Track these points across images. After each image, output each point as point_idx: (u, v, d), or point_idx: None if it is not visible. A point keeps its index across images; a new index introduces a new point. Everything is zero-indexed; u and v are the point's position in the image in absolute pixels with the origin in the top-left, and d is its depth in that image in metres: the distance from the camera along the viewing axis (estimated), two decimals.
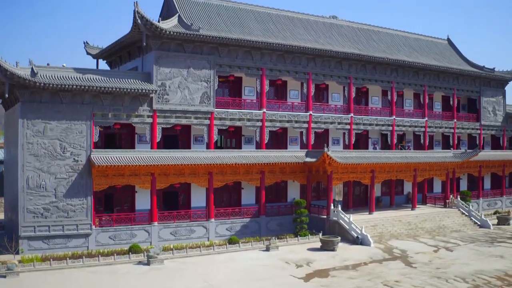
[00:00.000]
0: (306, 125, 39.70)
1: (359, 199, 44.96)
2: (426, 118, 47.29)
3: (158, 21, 34.24)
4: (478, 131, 51.88)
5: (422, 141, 47.19)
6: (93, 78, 32.72)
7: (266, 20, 42.05)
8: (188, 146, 37.14)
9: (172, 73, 34.49)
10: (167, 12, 39.60)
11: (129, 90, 32.39)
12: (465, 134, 52.24)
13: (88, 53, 42.91)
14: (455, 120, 49.79)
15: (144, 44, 33.37)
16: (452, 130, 49.43)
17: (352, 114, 42.16)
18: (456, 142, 50.01)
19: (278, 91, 41.24)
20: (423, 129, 46.95)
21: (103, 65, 43.79)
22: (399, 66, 44.49)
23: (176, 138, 37.20)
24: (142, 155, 33.34)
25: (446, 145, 50.99)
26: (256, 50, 37.24)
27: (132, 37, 34.63)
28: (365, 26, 49.08)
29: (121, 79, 33.47)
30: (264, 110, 37.89)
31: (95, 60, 43.23)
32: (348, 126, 41.84)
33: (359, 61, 41.97)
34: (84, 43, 43.20)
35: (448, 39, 57.03)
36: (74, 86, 31.03)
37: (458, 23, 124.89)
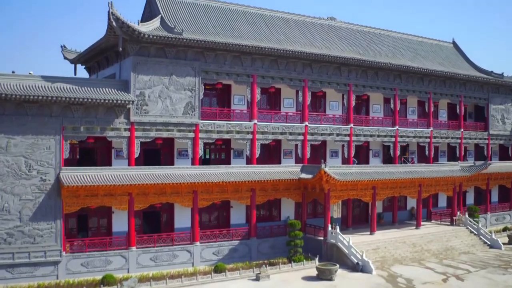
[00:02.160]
0: (301, 137, 36.24)
1: (359, 216, 41.56)
2: (431, 128, 43.86)
3: (138, 23, 30.79)
4: (486, 141, 48.49)
5: (427, 152, 43.79)
6: (63, 88, 29.28)
7: (258, 22, 38.59)
8: (171, 161, 33.71)
9: (152, 81, 31.01)
10: (149, 13, 36.14)
11: (102, 101, 28.92)
12: (472, 144, 48.85)
13: (65, 58, 39.43)
14: (462, 130, 46.38)
15: (120, 49, 29.88)
16: (458, 141, 46.02)
17: (351, 125, 38.72)
18: (463, 153, 46.55)
19: (270, 100, 37.77)
20: (428, 140, 43.54)
21: (81, 71, 40.48)
22: (403, 72, 41.07)
23: (158, 152, 33.75)
24: (119, 173, 29.88)
25: (452, 156, 47.65)
26: (247, 55, 33.77)
27: (107, 41, 31.14)
28: (365, 28, 45.67)
29: (94, 88, 30.00)
30: (255, 121, 34.42)
31: (73, 66, 39.75)
32: (347, 138, 38.39)
33: (360, 66, 38.55)
34: (61, 46, 39.70)
35: (454, 42, 53.67)
36: (41, 97, 27.61)
37: (463, 25, 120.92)
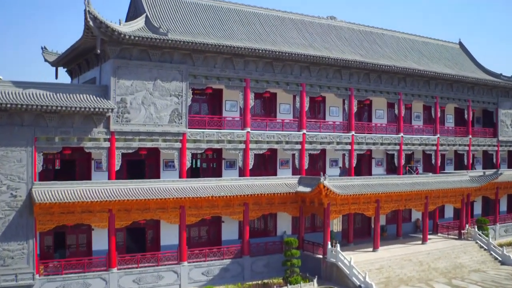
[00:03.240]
0: (299, 146, 33.46)
1: (360, 229, 38.78)
2: (438, 135, 41.09)
3: (119, 23, 28.07)
4: (495, 148, 45.74)
5: (433, 161, 41.00)
6: (35, 94, 26.58)
7: (253, 22, 35.81)
8: (156, 173, 30.95)
9: (134, 86, 28.26)
10: (134, 12, 33.39)
11: (78, 108, 26.17)
12: (480, 152, 46.11)
13: (46, 60, 36.65)
14: (470, 136, 43.62)
15: (99, 51, 27.11)
16: (466, 148, 43.26)
17: (353, 132, 35.94)
18: (471, 161, 43.81)
19: (265, 106, 35.01)
20: (434, 148, 40.77)
21: (63, 74, 37.62)
22: (408, 75, 38.32)
23: (142, 163, 30.99)
24: (98, 187, 27.15)
25: (459, 164, 44.97)
26: (239, 57, 31.02)
27: (85, 42, 28.37)
28: (367, 28, 42.89)
29: (71, 95, 27.29)
30: (248, 129, 31.64)
31: (54, 69, 36.94)
32: (348, 147, 35.62)
33: (362, 69, 35.78)
34: (41, 48, 36.92)
35: (460, 43, 50.93)
36: (9, 105, 24.89)
37: (468, 25, 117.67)
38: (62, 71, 37.54)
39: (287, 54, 31.66)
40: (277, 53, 31.29)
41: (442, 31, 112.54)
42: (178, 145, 29.33)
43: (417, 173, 40.72)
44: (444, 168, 43.96)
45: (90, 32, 26.97)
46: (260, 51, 30.65)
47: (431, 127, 41.28)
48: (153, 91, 28.67)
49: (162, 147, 29.05)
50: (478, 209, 46.23)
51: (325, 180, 29.45)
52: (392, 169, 40.38)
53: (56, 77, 37.25)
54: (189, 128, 29.68)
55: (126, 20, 32.95)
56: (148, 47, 28.48)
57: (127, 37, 26.99)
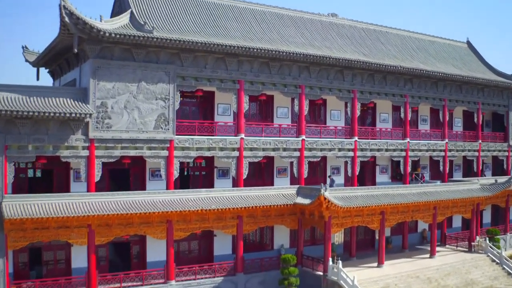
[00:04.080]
0: (297, 154, 30.88)
1: (364, 241, 36.21)
2: (447, 140, 38.52)
3: (100, 19, 25.53)
4: (506, 153, 43.18)
5: (441, 168, 38.40)
6: (7, 98, 24.04)
7: (248, 19, 33.21)
8: (142, 184, 28.44)
9: (116, 89, 25.71)
10: (119, 8, 30.81)
11: (53, 114, 23.61)
12: (489, 157, 43.53)
13: (26, 60, 34.06)
14: (480, 141, 41.04)
15: (76, 50, 24.58)
16: (476, 153, 40.69)
17: (356, 138, 33.35)
18: (481, 167, 41.25)
19: (261, 109, 32.44)
20: (442, 154, 38.18)
21: (44, 75, 35.07)
22: (415, 76, 35.75)
23: (126, 173, 28.44)
24: (75, 200, 24.64)
25: (467, 170, 42.45)
26: (232, 57, 28.45)
27: (62, 41, 25.84)
28: (370, 26, 40.30)
29: (46, 99, 24.79)
30: (242, 135, 29.06)
31: (36, 70, 34.35)
32: (351, 153, 33.02)
33: (366, 69, 33.21)
34: (22, 47, 34.34)
35: (468, 42, 48.34)
36: None
37: (475, 24, 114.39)
38: (44, 72, 35.04)
39: (284, 53, 29.09)
40: (274, 52, 28.71)
41: (449, 30, 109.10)
42: (164, 153, 26.76)
43: (423, 181, 38.20)
44: (452, 175, 41.38)
45: (67, 30, 24.42)
46: (255, 50, 28.08)
47: (439, 132, 38.71)
48: (137, 94, 26.12)
49: (147, 155, 26.48)
50: (487, 217, 43.66)
51: (326, 191, 26.92)
52: (397, 177, 37.80)
53: (38, 79, 34.68)
54: (177, 135, 27.12)
55: (111, 17, 30.42)
56: (132, 46, 25.93)
57: (107, 34, 24.42)
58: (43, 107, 24.00)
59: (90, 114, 24.54)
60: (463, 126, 42.74)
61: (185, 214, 26.40)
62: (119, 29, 25.62)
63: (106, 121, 25.44)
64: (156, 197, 26.40)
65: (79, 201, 24.68)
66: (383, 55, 36.55)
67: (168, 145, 26.79)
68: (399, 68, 33.65)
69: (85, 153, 25.12)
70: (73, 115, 24.01)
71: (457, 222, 41.33)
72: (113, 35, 24.60)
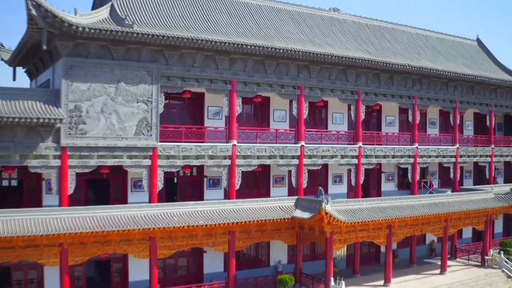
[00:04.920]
0: (296, 161, 28.04)
1: (368, 255, 33.37)
2: (457, 145, 35.66)
3: (75, 12, 22.73)
4: None
5: (451, 175, 35.53)
6: None
7: (242, 13, 30.32)
8: (123, 196, 25.67)
9: (92, 90, 22.87)
10: (100, 1, 27.93)
11: (18, 119, 20.79)
12: (501, 163, 40.70)
13: (1, 59, 31.25)
14: (493, 146, 38.19)
15: (45, 47, 21.75)
16: (488, 159, 37.83)
17: (360, 144, 30.50)
18: (493, 174, 38.43)
19: (256, 113, 29.62)
20: (453, 160, 35.32)
21: (21, 75, 32.27)
22: (424, 76, 32.92)
23: (105, 184, 25.63)
24: (46, 216, 21.80)
25: (478, 177, 39.62)
26: (223, 55, 25.61)
27: (32, 36, 23.01)
28: (375, 22, 37.42)
29: (13, 102, 21.97)
30: (235, 142, 26.21)
31: (12, 69, 31.50)
32: (355, 161, 30.17)
33: (371, 69, 30.39)
34: None
35: (478, 40, 45.46)
36: None
37: (485, 20, 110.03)
38: (21, 71, 32.24)
39: (281, 51, 26.24)
40: (270, 49, 25.86)
41: (457, 26, 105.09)
42: (147, 162, 23.93)
43: (432, 189, 35.39)
44: (463, 182, 38.53)
45: (35, 24, 21.59)
46: (249, 47, 25.23)
47: (449, 136, 35.83)
48: (115, 96, 23.28)
49: (127, 165, 23.63)
50: (498, 227, 40.83)
51: (327, 204, 24.08)
52: (404, 185, 35.00)
53: (14, 79, 31.77)
54: (160, 141, 24.27)
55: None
56: (110, 43, 23.10)
57: (80, 29, 21.57)
58: (8, 111, 21.18)
59: (61, 119, 21.70)
60: (474, 130, 39.89)
61: (170, 231, 23.57)
62: (95, 24, 22.78)
63: (80, 126, 22.61)
64: (138, 211, 23.55)
65: (50, 217, 21.83)
66: (389, 53, 33.70)
67: (151, 153, 23.95)
68: (407, 67, 30.81)
69: (56, 162, 22.30)
70: (41, 120, 21.18)
71: (467, 232, 38.51)
72: (87, 29, 21.76)
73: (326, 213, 23.86)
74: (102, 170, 23.95)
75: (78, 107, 22.61)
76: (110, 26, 22.80)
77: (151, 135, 23.85)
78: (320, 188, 29.26)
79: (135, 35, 22.54)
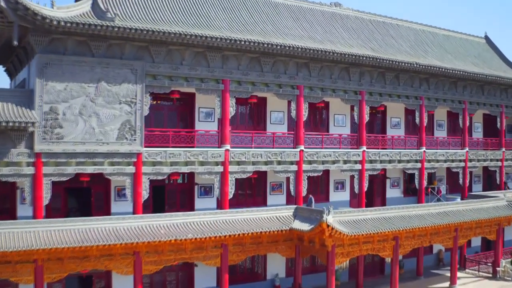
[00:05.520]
0: (294, 167, 25.90)
1: (372, 265, 31.20)
2: (467, 149, 33.51)
3: (52, 5, 20.62)
4: None
5: (461, 180, 33.38)
6: None
7: (238, 8, 28.09)
8: (106, 205, 23.60)
9: (69, 90, 20.75)
10: None
11: None
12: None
13: None
14: (504, 149, 36.04)
15: (16, 42, 19.63)
16: (499, 163, 35.67)
17: (364, 148, 28.36)
18: (504, 179, 36.30)
19: (252, 114, 27.52)
20: (462, 164, 33.16)
21: (2, 74, 30.18)
22: (432, 75, 30.80)
23: (87, 193, 23.52)
24: (19, 230, 19.70)
25: (488, 182, 37.50)
26: (215, 52, 23.49)
27: (2, 31, 20.89)
28: (379, 18, 35.27)
29: None
30: (228, 147, 24.05)
31: None
32: (358, 166, 28.03)
33: (376, 67, 28.27)
34: None
35: (486, 37, 43.33)
36: None
37: (493, 15, 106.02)
38: (1, 70, 30.13)
39: (279, 47, 24.11)
40: (266, 45, 23.73)
41: (463, 22, 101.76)
42: (130, 169, 21.79)
43: (439, 195, 33.27)
44: (472, 188, 36.40)
45: (5, 17, 19.46)
46: (243, 43, 23.10)
47: (458, 139, 33.67)
48: (95, 96, 21.15)
49: (108, 172, 21.49)
50: (508, 235, 38.61)
51: (328, 215, 21.96)
52: (410, 191, 32.90)
53: None
54: (146, 147, 22.15)
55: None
56: (89, 38, 20.98)
57: (55, 23, 19.46)
58: None
59: (33, 123, 19.61)
60: (483, 132, 37.77)
61: (156, 245, 21.44)
62: (73, 18, 20.63)
63: (56, 130, 20.49)
64: (120, 223, 21.40)
65: (24, 231, 19.71)
66: (394, 50, 31.56)
67: (135, 160, 21.81)
68: (415, 65, 28.69)
69: (30, 170, 20.18)
70: (11, 124, 19.08)
71: (476, 240, 36.23)
72: (62, 23, 19.65)
73: (328, 226, 21.74)
74: (82, 178, 21.81)
75: (54, 109, 20.49)
76: (88, 19, 20.67)
77: (135, 140, 21.71)
78: (310, 196, 26.86)
79: (116, 29, 20.42)
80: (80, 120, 20.87)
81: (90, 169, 21.15)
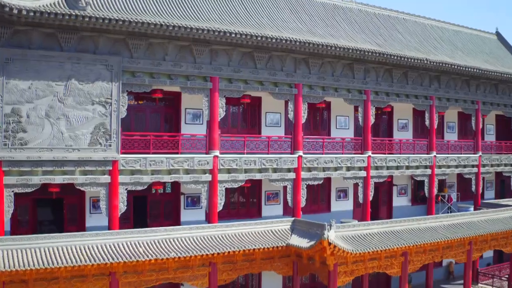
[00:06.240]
0: (292, 175, 23.27)
1: (377, 280, 28.61)
2: (480, 153, 30.89)
3: None
4: None
5: (473, 187, 30.76)
6: None
7: None
8: (81, 219, 21.10)
9: (34, 90, 18.16)
10: None
11: None
12: None
13: None
14: None
15: None
16: None
17: (370, 153, 25.74)
18: None
19: (245, 116, 24.94)
20: (475, 170, 30.54)
21: None
22: (442, 73, 28.21)
23: (58, 205, 20.95)
24: None
25: (500, 188, 34.94)
26: (202, 45, 20.87)
27: None
28: (385, 12, 32.64)
29: None
30: (217, 153, 21.42)
31: None
32: (363, 173, 25.41)
33: (382, 64, 25.68)
34: None
35: (498, 33, 40.65)
36: None
37: (503, 10, 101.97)
38: None
39: (274, 41, 21.50)
40: (260, 38, 21.10)
41: (473, 18, 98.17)
42: (105, 179, 19.19)
43: (450, 203, 30.72)
44: (484, 194, 33.81)
45: None
46: (233, 35, 20.48)
47: (470, 143, 31.03)
48: (64, 96, 18.56)
49: (80, 182, 18.90)
50: None
51: (330, 230, 19.39)
52: (419, 200, 30.33)
53: None
54: (123, 153, 19.54)
55: None
56: (58, 30, 18.39)
57: (15, 12, 16.85)
58: None
59: None
60: (496, 135, 35.20)
61: (134, 265, 18.87)
62: (39, 7, 18.02)
63: (19, 135, 17.92)
64: (94, 240, 18.81)
65: None
66: (401, 46, 28.93)
67: (110, 168, 19.22)
68: (425, 62, 26.08)
69: None
70: None
71: (487, 251, 33.72)
72: (24, 12, 17.05)
73: (329, 243, 19.16)
74: (51, 189, 19.24)
75: (17, 111, 17.91)
76: (58, 9, 18.08)
77: (110, 145, 19.12)
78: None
79: (87, 19, 17.82)
80: (47, 123, 18.28)
81: (58, 179, 18.56)
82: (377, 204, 28.77)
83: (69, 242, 18.41)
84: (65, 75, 18.57)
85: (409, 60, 25.64)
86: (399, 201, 29.87)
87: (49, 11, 17.45)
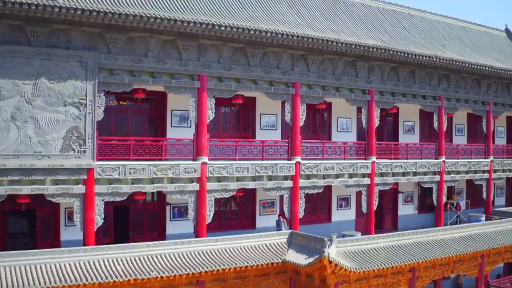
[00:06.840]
0: (289, 183, 21.21)
1: None
2: (492, 158, 28.84)
3: None
4: None
5: (484, 194, 28.69)
6: None
7: None
8: (54, 232, 19.06)
9: None
10: None
11: None
12: None
13: None
14: None
15: None
16: None
17: (374, 158, 23.66)
18: None
19: (237, 118, 22.90)
20: (486, 176, 28.48)
21: None
22: (452, 71, 26.18)
23: (30, 217, 18.94)
24: None
25: (510, 194, 32.93)
26: (189, 40, 18.82)
27: None
28: (389, 6, 30.56)
29: None
30: (205, 159, 19.35)
31: None
32: (366, 180, 23.34)
33: (388, 61, 23.65)
34: None
35: (507, 30, 38.61)
36: None
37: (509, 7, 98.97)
38: None
39: (269, 35, 19.44)
40: (253, 32, 19.04)
41: (481, 13, 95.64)
42: (79, 189, 17.13)
43: (459, 211, 28.71)
44: (494, 201, 31.75)
45: None
46: (223, 29, 18.42)
47: (481, 147, 28.98)
48: (33, 97, 16.51)
49: (51, 193, 16.84)
50: None
51: (331, 246, 17.40)
52: (426, 207, 28.32)
53: None
54: (99, 160, 17.48)
55: None
56: (25, 22, 16.34)
57: None
58: None
59: None
60: (507, 138, 33.18)
61: (111, 286, 16.85)
62: None
63: None
64: (67, 258, 16.79)
65: None
66: (407, 43, 26.85)
67: (85, 177, 17.15)
68: (435, 59, 24.03)
69: None
70: None
71: None
72: None
73: (330, 261, 17.14)
74: (20, 200, 17.20)
75: None
76: None
77: (84, 152, 17.06)
78: (280, 219, 22.00)
79: (57, 10, 15.74)
80: (13, 127, 16.23)
81: (26, 189, 16.51)
82: (381, 213, 26.74)
83: (37, 261, 16.39)
84: (34, 73, 16.51)
85: (417, 57, 23.58)
86: (405, 209, 27.85)
87: (13, 0, 15.41)
